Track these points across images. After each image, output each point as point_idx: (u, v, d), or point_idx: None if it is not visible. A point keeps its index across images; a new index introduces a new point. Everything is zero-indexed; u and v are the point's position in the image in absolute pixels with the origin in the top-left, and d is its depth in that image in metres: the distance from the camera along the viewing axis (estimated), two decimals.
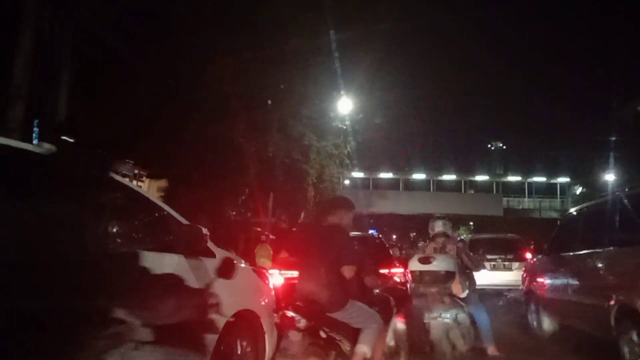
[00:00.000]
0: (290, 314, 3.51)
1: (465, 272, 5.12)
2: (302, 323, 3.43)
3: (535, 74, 56.79)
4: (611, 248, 4.79)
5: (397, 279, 6.51)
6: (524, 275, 8.06)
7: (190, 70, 10.61)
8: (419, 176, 44.79)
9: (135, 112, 10.60)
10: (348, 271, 3.57)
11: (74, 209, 2.54)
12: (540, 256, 7.54)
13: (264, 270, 7.45)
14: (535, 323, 6.91)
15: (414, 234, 40.56)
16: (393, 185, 44.05)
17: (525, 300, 7.54)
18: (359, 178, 36.59)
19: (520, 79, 60.48)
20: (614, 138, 22.90)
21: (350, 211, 3.96)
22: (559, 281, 6.19)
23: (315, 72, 14.04)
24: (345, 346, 3.54)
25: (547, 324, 6.51)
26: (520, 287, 8.41)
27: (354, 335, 3.60)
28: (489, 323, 4.94)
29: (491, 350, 4.87)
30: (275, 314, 3.94)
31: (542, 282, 6.85)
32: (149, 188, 13.32)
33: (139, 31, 10.13)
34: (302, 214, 17.66)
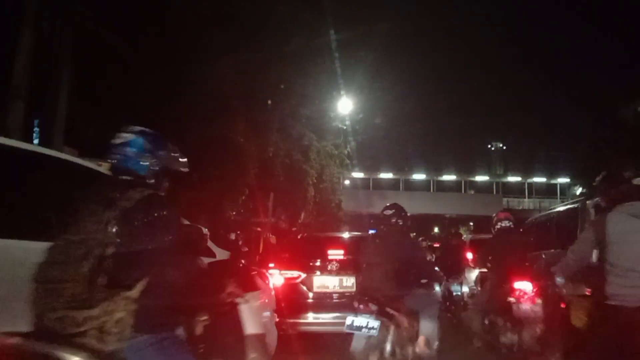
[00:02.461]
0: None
1: None
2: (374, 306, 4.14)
3: (536, 74, 56.84)
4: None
5: None
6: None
7: (190, 70, 10.61)
8: (419, 176, 44.82)
9: (134, 112, 10.60)
10: None
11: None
12: None
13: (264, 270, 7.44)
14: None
15: (414, 234, 40.60)
16: (393, 185, 44.09)
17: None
18: (359, 178, 36.62)
19: (520, 79, 60.56)
20: (613, 138, 22.87)
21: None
22: None
23: (315, 72, 14.03)
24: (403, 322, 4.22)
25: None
26: None
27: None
28: None
29: None
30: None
31: None
32: None
33: (138, 31, 10.13)
34: (302, 214, 17.66)
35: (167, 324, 1.96)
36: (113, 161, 2.07)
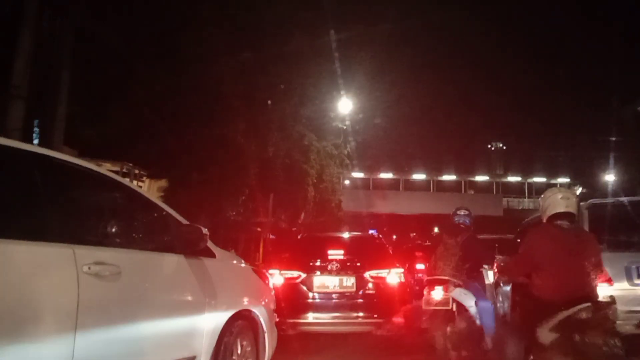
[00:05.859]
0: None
1: None
2: None
3: (536, 74, 56.81)
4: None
5: (397, 278, 6.50)
6: (494, 270, 9.91)
7: (190, 70, 10.60)
8: (419, 176, 44.80)
9: (135, 112, 10.59)
10: None
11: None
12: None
13: (264, 270, 7.43)
14: (500, 308, 8.82)
15: (414, 234, 40.58)
16: (393, 185, 44.04)
17: (494, 285, 9.47)
18: (359, 178, 36.58)
19: (520, 78, 60.50)
20: (614, 138, 22.91)
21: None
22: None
23: (315, 72, 14.03)
24: None
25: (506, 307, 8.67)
26: None
27: None
28: None
29: None
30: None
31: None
32: (149, 188, 13.32)
33: (139, 31, 10.12)
34: (302, 214, 17.64)
35: (476, 275, 5.34)
36: (459, 220, 5.49)
